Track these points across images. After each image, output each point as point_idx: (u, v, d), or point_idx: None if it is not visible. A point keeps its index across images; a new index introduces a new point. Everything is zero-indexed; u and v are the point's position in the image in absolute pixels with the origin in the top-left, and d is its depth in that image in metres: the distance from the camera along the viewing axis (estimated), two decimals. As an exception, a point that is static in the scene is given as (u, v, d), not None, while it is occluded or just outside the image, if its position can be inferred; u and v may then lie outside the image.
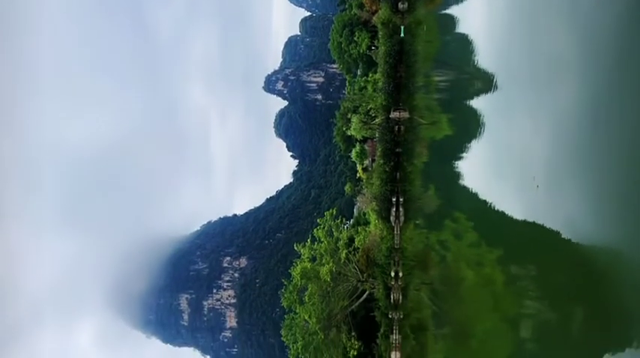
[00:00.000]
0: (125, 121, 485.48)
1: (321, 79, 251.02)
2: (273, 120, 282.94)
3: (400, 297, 59.56)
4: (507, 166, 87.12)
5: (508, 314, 64.89)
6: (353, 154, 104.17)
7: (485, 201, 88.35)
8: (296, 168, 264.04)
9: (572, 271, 67.90)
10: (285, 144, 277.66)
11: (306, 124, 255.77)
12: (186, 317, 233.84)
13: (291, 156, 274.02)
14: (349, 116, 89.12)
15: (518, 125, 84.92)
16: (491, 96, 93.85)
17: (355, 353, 65.03)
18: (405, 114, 62.78)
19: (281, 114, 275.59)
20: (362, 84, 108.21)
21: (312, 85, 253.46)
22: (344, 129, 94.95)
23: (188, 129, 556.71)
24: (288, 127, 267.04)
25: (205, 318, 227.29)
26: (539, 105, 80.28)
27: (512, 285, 68.35)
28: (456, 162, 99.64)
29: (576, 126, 69.13)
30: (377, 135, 73.26)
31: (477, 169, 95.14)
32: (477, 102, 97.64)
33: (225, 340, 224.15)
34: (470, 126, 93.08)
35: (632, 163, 57.10)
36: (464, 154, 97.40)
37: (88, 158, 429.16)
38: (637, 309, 55.01)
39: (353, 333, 65.65)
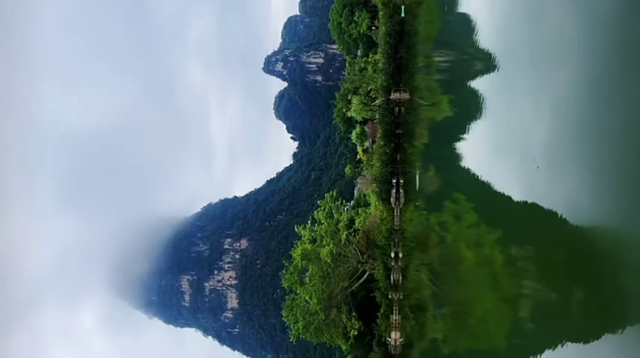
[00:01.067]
0: (124, 103, 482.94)
1: (320, 60, 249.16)
2: (273, 102, 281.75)
3: (400, 278, 60.02)
4: (508, 147, 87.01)
5: (507, 294, 65.43)
6: (353, 136, 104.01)
7: (485, 182, 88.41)
8: (296, 150, 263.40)
9: (572, 252, 68.27)
10: (284, 125, 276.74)
11: (306, 106, 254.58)
12: (187, 298, 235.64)
13: (291, 137, 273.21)
14: (349, 97, 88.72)
15: (518, 106, 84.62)
16: (492, 76, 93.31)
17: (355, 333, 65.85)
18: (406, 96, 62.50)
19: (280, 96, 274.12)
20: (362, 65, 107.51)
21: (311, 66, 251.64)
22: (344, 110, 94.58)
23: (187, 111, 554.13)
24: (287, 109, 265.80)
25: (207, 299, 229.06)
26: (540, 87, 79.92)
27: (512, 266, 68.81)
28: (457, 144, 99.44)
29: (577, 108, 68.91)
30: (377, 116, 73.05)
31: (477, 150, 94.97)
32: (478, 83, 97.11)
33: (227, 320, 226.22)
34: (470, 108, 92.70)
35: (632, 145, 57.04)
36: (464, 135, 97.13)
37: (87, 140, 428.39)
38: (636, 289, 55.43)
39: (353, 313, 66.37)
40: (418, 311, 62.19)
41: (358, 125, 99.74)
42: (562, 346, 66.23)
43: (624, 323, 55.81)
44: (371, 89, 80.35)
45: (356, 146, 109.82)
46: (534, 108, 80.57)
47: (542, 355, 69.23)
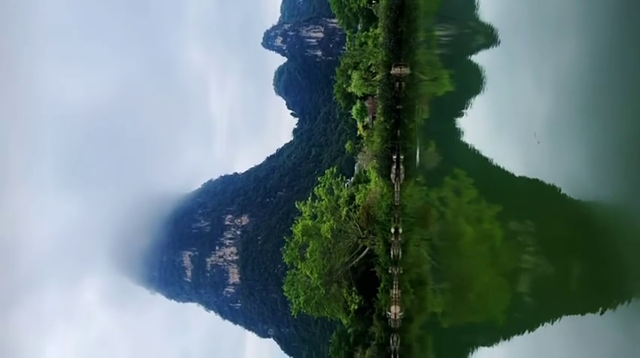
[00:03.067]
0: (125, 81, 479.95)
1: (320, 35, 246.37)
2: (273, 78, 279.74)
3: (400, 253, 60.46)
4: (508, 122, 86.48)
5: (506, 268, 65.86)
6: (353, 112, 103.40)
7: (485, 157, 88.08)
8: (296, 126, 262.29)
9: (572, 227, 68.41)
10: (284, 101, 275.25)
11: (305, 81, 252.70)
12: (189, 273, 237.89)
13: (291, 113, 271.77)
14: (349, 72, 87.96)
15: (520, 81, 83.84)
16: (494, 51, 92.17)
17: (356, 307, 66.61)
18: (406, 70, 62.04)
19: (280, 71, 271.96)
20: (362, 39, 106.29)
21: (311, 40, 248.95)
22: (344, 86, 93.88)
23: (188, 88, 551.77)
24: (287, 84, 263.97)
25: (208, 275, 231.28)
26: (542, 60, 79.05)
27: (511, 240, 69.05)
28: (457, 119, 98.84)
29: (580, 82, 68.28)
30: (377, 91, 72.60)
31: (478, 126, 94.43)
32: (479, 58, 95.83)
33: (229, 295, 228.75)
34: (471, 82, 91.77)
35: (635, 119, 56.70)
36: (465, 111, 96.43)
37: (88, 118, 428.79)
38: (635, 264, 55.75)
39: (354, 288, 67.06)
40: (418, 285, 62.83)
41: (358, 101, 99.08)
42: (560, 320, 66.89)
43: (623, 298, 56.21)
44: (371, 64, 79.60)
45: (356, 122, 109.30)
46: (536, 82, 79.88)
47: (541, 329, 70.01)
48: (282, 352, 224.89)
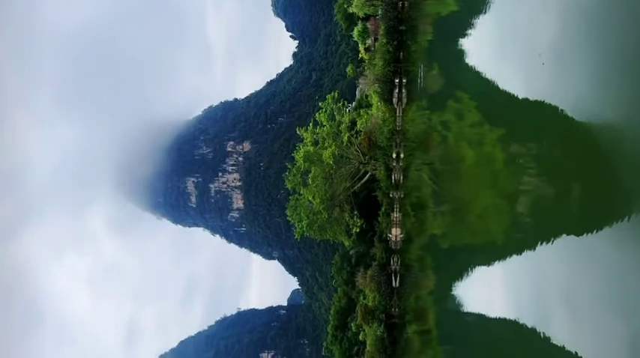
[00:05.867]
0: (121, 4, 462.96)
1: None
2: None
3: (401, 177, 60.97)
4: (513, 43, 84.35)
5: (507, 190, 66.72)
6: (355, 33, 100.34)
7: (489, 79, 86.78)
8: (296, 50, 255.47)
9: (574, 149, 68.57)
10: (284, 23, 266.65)
11: (305, 1, 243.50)
12: (194, 199, 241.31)
13: (291, 36, 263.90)
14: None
15: (526, 0, 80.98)
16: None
17: (357, 230, 68.15)
18: (410, -11, 59.66)
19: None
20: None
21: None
22: (345, 6, 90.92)
23: (184, 9, 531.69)
24: (286, 5, 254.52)
25: (213, 200, 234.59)
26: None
27: (512, 163, 69.47)
28: (461, 40, 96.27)
29: (586, 2, 65.96)
30: (380, 12, 70.27)
31: (482, 47, 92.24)
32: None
33: (233, 220, 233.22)
34: (476, 2, 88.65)
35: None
36: (469, 31, 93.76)
37: (84, 43, 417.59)
38: (635, 185, 56.33)
39: (355, 212, 68.27)
40: (418, 208, 63.83)
41: (360, 22, 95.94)
42: (559, 239, 68.53)
43: (621, 217, 57.26)
44: (373, -18, 76.46)
45: (358, 44, 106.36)
46: (542, 1, 77.15)
47: (539, 248, 71.96)
48: (287, 273, 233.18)
